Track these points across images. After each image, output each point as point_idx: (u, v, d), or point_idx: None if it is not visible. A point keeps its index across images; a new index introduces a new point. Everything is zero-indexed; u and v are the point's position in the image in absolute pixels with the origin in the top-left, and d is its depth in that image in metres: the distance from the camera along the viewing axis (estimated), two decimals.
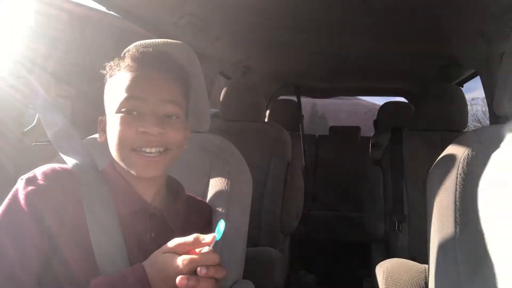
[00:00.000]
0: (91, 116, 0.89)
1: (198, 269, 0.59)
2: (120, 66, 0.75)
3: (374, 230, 1.82)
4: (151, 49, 0.79)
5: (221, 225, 0.62)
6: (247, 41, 2.09)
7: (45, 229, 0.65)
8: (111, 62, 0.77)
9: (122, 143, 0.71)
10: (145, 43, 0.95)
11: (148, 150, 0.71)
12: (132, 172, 0.72)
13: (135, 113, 0.71)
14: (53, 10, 1.25)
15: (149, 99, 0.71)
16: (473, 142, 0.83)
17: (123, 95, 0.71)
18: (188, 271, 0.59)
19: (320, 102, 5.52)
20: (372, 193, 1.84)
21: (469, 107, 1.85)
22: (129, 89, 0.71)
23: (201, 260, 0.60)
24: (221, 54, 2.08)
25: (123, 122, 0.71)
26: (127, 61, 0.74)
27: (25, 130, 1.09)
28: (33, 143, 1.15)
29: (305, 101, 3.67)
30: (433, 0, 1.44)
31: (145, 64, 0.74)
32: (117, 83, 0.74)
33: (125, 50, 0.91)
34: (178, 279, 0.58)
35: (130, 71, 0.73)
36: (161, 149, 0.72)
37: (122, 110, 0.71)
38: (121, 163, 0.74)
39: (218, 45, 1.93)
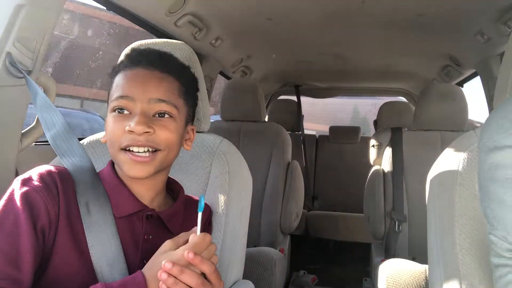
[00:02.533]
0: None
1: (185, 253, 0.59)
2: (119, 67, 0.76)
3: (374, 230, 1.82)
4: (148, 48, 0.80)
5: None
6: (247, 41, 2.09)
7: (40, 230, 0.65)
8: (116, 64, 0.78)
9: (112, 142, 0.72)
10: (144, 43, 0.95)
11: (135, 149, 0.70)
12: (123, 171, 0.73)
13: (126, 112, 0.71)
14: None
15: (138, 97, 0.71)
16: (473, 142, 0.83)
17: (115, 94, 0.72)
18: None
19: (360, 102, 5.62)
20: (372, 193, 1.84)
21: None
22: (121, 88, 0.72)
23: (193, 244, 0.61)
24: (221, 54, 2.08)
25: (113, 121, 0.71)
26: (125, 61, 0.76)
27: (25, 130, 1.09)
28: (33, 143, 1.15)
29: (344, 102, 3.66)
30: (433, 0, 1.44)
31: (138, 63, 0.74)
32: (114, 83, 0.75)
33: (124, 51, 0.91)
34: (159, 272, 0.59)
35: (124, 70, 0.74)
36: (151, 150, 0.71)
37: (114, 109, 0.72)
38: (115, 162, 0.75)
39: (218, 45, 1.93)
